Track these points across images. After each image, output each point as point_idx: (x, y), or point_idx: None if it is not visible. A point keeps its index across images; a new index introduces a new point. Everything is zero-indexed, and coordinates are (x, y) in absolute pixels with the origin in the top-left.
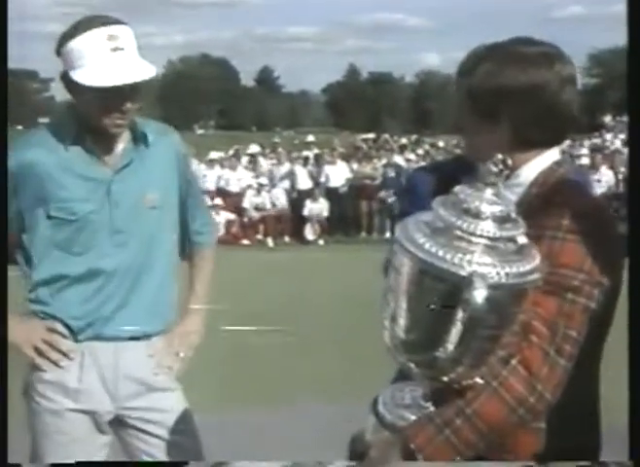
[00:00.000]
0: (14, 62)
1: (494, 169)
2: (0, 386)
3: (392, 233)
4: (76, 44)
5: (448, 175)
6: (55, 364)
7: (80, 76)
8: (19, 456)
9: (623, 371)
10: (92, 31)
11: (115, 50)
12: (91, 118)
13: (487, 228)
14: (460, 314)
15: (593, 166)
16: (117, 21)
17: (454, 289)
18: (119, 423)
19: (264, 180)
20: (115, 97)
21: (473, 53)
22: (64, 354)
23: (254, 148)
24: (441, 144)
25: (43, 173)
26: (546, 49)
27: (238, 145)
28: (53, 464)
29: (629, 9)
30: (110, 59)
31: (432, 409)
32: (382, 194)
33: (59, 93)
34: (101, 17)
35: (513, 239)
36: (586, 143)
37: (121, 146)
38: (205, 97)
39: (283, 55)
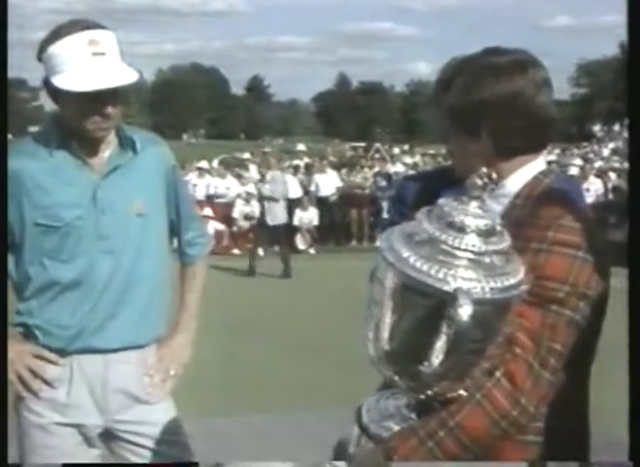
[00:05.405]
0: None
1: (479, 183)
2: (0, 386)
3: None
4: (57, 48)
5: (437, 184)
6: (35, 394)
7: (61, 81)
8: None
9: (623, 371)
10: (73, 36)
11: (96, 54)
12: (74, 123)
13: (472, 242)
14: (445, 329)
15: (582, 176)
16: (98, 26)
17: (438, 303)
18: (109, 436)
19: (253, 189)
20: (96, 102)
21: (448, 68)
22: (48, 383)
23: (245, 156)
24: (431, 152)
25: (28, 181)
26: (517, 56)
27: (228, 154)
28: (65, 464)
29: (629, 16)
30: (91, 64)
31: (415, 418)
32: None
33: (48, 102)
34: (82, 22)
35: (498, 253)
36: (576, 152)
37: (107, 152)
38: (195, 106)
39: (273, 65)
